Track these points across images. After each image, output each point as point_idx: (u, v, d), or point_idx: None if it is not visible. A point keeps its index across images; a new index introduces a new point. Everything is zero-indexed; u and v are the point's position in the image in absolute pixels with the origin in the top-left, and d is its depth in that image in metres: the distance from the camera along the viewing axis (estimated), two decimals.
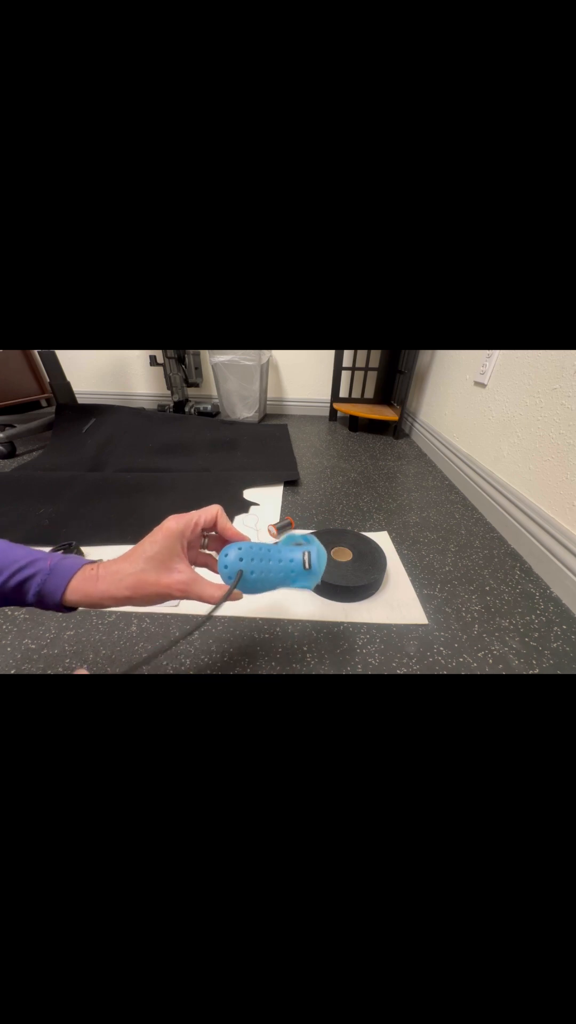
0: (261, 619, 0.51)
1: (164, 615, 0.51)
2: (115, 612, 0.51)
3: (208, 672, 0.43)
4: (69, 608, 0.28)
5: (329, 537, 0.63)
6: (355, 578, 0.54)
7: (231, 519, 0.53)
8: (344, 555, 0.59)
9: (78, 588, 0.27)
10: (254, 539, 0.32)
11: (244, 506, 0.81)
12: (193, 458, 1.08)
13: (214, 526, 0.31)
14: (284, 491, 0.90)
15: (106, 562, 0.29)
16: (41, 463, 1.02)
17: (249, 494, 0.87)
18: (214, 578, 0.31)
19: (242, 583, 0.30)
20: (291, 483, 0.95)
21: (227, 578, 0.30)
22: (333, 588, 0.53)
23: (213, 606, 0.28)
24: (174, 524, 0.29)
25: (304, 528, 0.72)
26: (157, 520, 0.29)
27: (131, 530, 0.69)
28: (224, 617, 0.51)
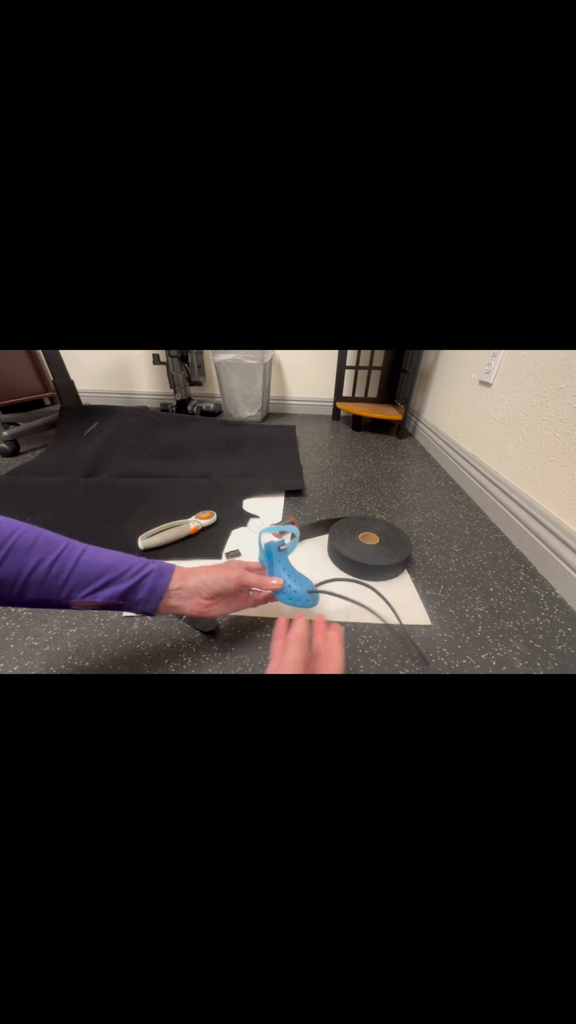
0: (263, 618, 0.51)
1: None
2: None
3: (210, 672, 0.43)
4: (151, 611, 0.37)
5: (359, 523, 0.68)
6: (377, 559, 0.59)
7: (229, 531, 0.72)
8: (371, 539, 0.64)
9: (176, 576, 0.37)
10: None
11: (243, 518, 0.76)
12: (194, 462, 1.05)
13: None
14: (286, 492, 0.90)
15: (192, 569, 0.39)
16: (39, 465, 1.01)
17: (250, 502, 0.83)
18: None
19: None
20: (294, 492, 0.90)
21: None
22: (357, 566, 0.59)
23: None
24: (234, 573, 0.41)
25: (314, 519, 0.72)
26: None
27: (117, 544, 0.63)
28: (225, 616, 0.51)
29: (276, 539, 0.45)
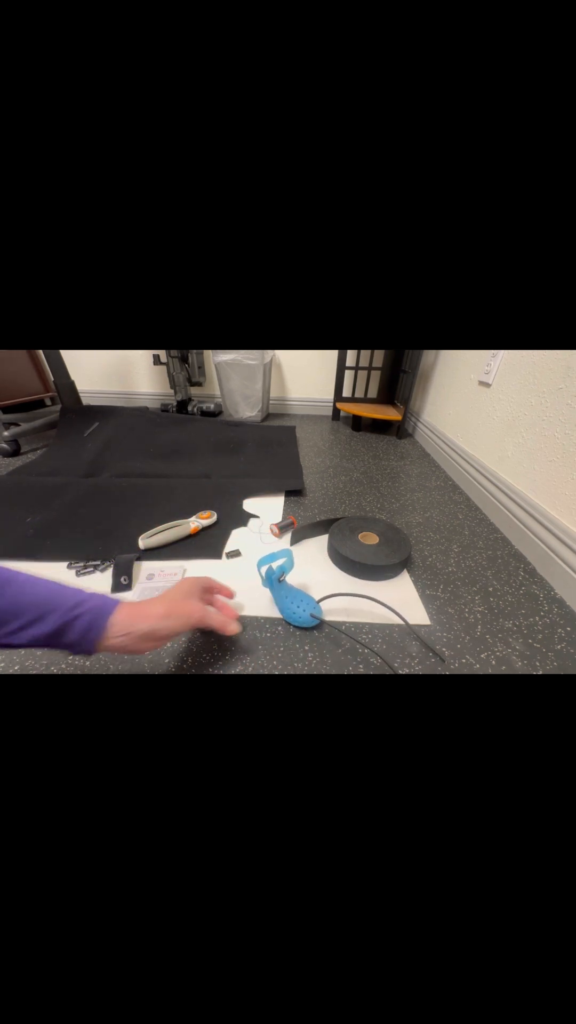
0: (263, 618, 0.51)
1: None
2: None
3: (210, 672, 0.43)
4: (90, 651, 0.32)
5: (359, 523, 0.68)
6: (376, 558, 0.59)
7: (229, 531, 0.72)
8: (371, 539, 0.64)
9: (119, 619, 0.33)
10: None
11: (243, 518, 0.76)
12: (195, 462, 1.05)
13: (207, 589, 0.44)
14: (286, 492, 0.90)
15: (132, 603, 0.36)
16: (40, 465, 1.01)
17: (250, 503, 0.83)
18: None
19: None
20: (294, 492, 0.90)
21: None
22: (357, 565, 0.58)
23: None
24: (193, 579, 0.43)
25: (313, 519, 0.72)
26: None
27: (117, 544, 0.65)
28: None
29: (274, 568, 0.50)
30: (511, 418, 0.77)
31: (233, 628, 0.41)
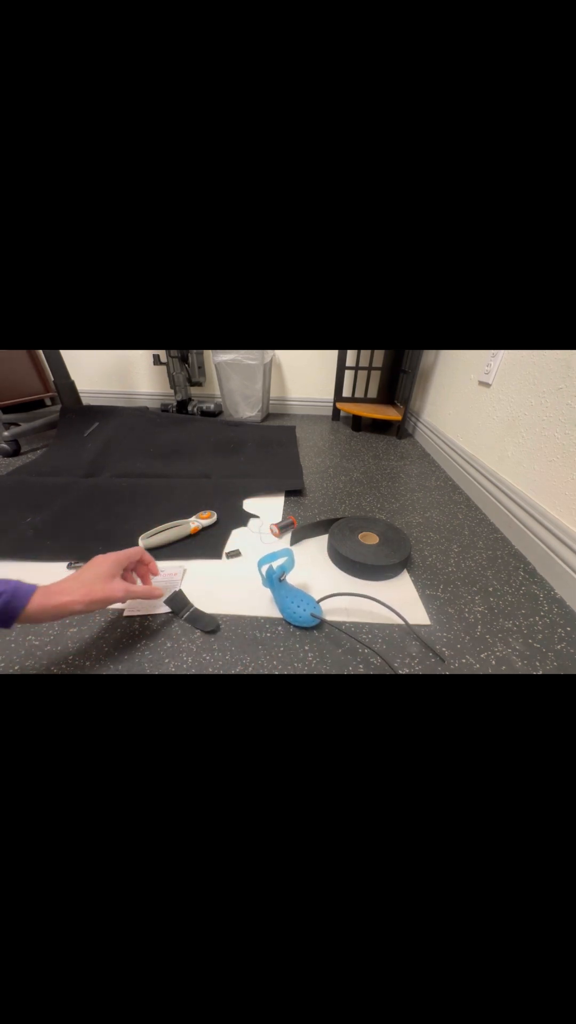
0: (263, 618, 0.51)
1: (166, 615, 0.51)
2: (118, 609, 0.51)
3: (210, 671, 0.43)
4: (9, 623, 0.36)
5: (359, 523, 0.68)
6: (376, 559, 0.59)
7: (229, 531, 0.72)
8: (371, 539, 0.64)
9: (35, 604, 0.36)
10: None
11: (243, 518, 0.76)
12: (195, 462, 1.05)
13: (138, 561, 0.49)
14: (286, 492, 0.90)
15: (54, 583, 0.40)
16: (40, 465, 1.01)
17: (250, 503, 0.83)
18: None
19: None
20: (294, 493, 0.90)
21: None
22: (357, 565, 0.58)
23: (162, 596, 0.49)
24: (111, 555, 0.45)
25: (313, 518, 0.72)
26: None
27: (117, 544, 0.64)
28: (226, 616, 0.51)
29: (275, 568, 0.51)
30: (511, 418, 0.77)
31: (157, 592, 0.47)
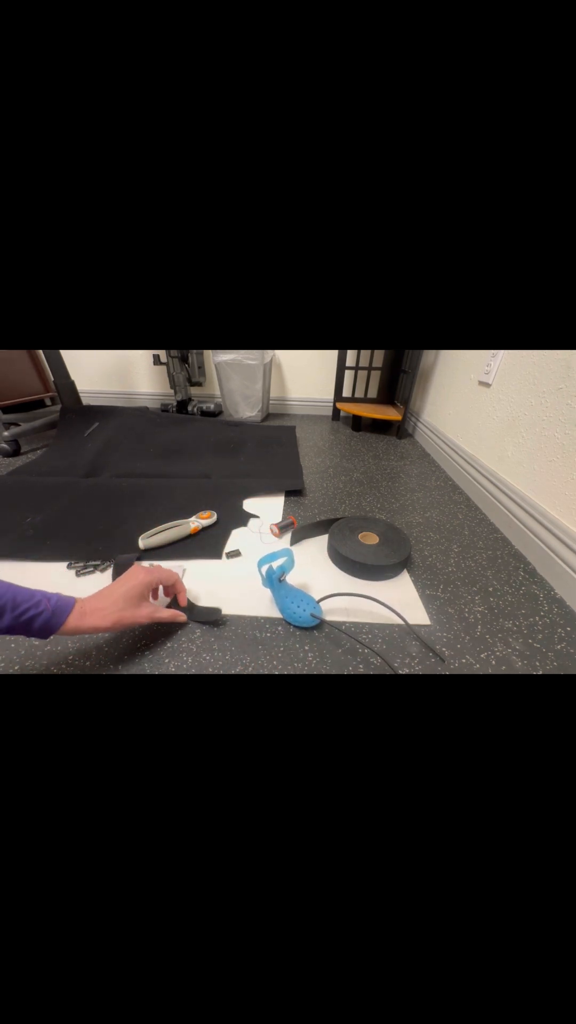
0: (263, 618, 0.51)
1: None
2: None
3: (210, 671, 0.43)
4: (45, 636, 0.38)
5: (359, 523, 0.68)
6: (376, 558, 0.59)
7: (229, 531, 0.72)
8: (371, 539, 0.64)
9: (71, 624, 0.38)
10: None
11: (243, 518, 0.76)
12: (195, 462, 1.05)
13: (172, 586, 0.49)
14: (286, 492, 0.90)
15: (89, 599, 0.41)
16: (40, 465, 1.01)
17: (250, 503, 0.83)
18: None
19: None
20: (294, 493, 0.90)
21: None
22: (357, 565, 0.58)
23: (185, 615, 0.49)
24: (145, 576, 0.44)
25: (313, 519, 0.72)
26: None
27: (117, 544, 0.65)
28: (226, 616, 0.51)
29: (274, 568, 0.51)
30: (511, 418, 0.77)
31: (181, 618, 0.48)
